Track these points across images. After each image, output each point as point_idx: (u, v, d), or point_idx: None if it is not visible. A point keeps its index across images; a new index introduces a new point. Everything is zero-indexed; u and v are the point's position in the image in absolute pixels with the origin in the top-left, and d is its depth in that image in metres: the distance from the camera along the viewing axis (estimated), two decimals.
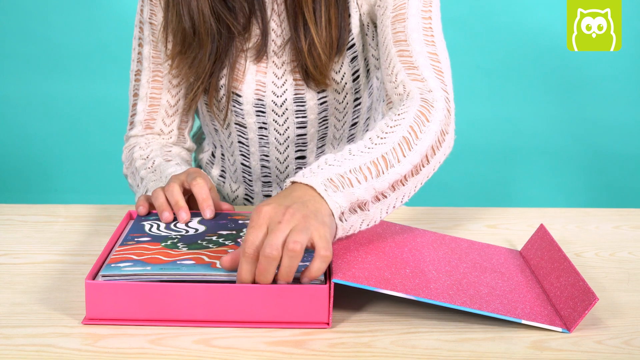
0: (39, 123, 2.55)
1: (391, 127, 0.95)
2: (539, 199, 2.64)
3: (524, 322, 0.84)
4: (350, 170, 0.88)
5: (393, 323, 0.84)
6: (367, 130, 1.27)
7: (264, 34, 1.17)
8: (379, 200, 0.90)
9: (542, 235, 1.00)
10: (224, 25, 1.15)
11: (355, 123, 1.25)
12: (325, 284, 0.82)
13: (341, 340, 0.81)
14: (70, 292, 0.89)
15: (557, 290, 0.90)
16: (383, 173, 0.90)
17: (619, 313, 0.88)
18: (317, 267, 0.80)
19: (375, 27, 1.18)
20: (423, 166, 0.95)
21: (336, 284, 0.84)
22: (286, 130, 1.22)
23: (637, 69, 2.58)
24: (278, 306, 0.81)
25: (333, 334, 0.82)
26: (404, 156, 0.92)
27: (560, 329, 0.84)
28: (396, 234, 0.98)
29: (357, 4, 1.15)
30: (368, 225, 0.90)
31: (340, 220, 0.86)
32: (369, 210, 0.89)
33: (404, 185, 0.93)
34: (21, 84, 2.51)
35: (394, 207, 0.93)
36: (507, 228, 1.12)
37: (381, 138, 0.93)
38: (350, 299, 0.87)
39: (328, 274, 0.84)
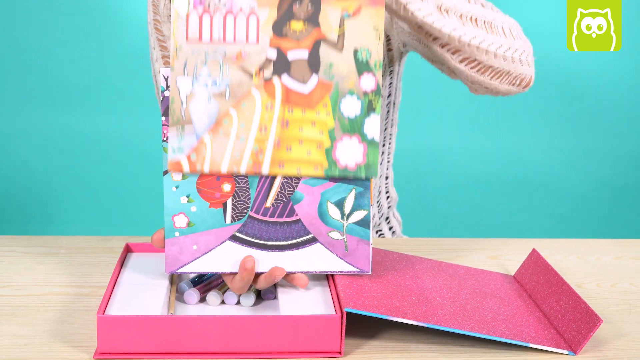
0: (39, 155, 2.55)
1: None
2: (540, 229, 2.64)
3: (531, 345, 0.84)
4: None
5: (395, 355, 0.84)
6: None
7: None
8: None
9: (535, 260, 1.01)
10: None
11: None
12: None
13: None
14: (72, 324, 0.89)
15: (558, 314, 0.90)
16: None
17: (621, 344, 0.88)
18: None
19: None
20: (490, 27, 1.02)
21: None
22: None
23: (637, 99, 2.60)
24: (290, 337, 0.82)
25: None
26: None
27: (566, 352, 0.84)
28: (395, 261, 0.99)
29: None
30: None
31: None
32: None
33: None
34: (21, 116, 2.52)
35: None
36: (508, 259, 1.12)
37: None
38: (350, 329, 0.87)
39: (339, 303, 0.84)
